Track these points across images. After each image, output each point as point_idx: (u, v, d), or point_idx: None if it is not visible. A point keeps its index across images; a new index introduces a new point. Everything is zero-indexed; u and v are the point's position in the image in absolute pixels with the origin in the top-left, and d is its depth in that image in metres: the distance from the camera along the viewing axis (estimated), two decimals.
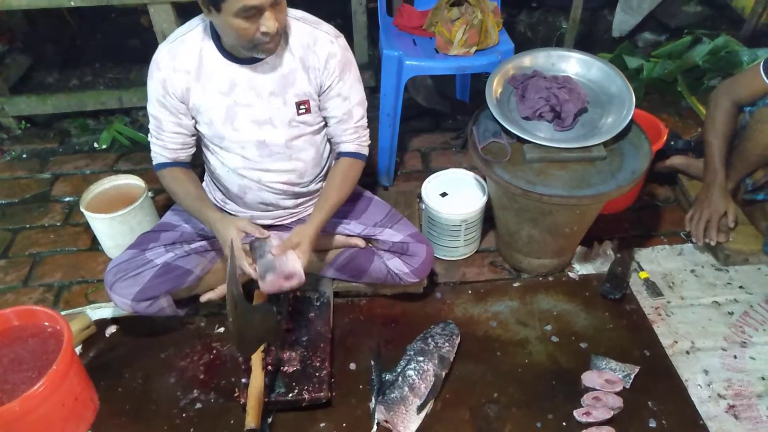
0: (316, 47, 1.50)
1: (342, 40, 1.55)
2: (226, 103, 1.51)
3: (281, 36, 1.43)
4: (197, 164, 1.74)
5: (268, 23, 1.32)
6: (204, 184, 1.81)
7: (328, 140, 1.70)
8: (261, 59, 1.46)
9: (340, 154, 1.67)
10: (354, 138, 1.64)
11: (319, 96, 1.57)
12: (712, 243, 1.93)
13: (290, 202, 1.72)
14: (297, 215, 1.77)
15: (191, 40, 1.48)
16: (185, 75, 1.48)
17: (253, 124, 1.54)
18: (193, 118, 1.56)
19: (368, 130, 1.68)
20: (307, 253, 1.51)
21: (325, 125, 1.65)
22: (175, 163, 1.62)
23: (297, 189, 1.69)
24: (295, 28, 1.50)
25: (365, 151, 1.68)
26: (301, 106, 1.55)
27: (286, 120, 1.55)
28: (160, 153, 1.60)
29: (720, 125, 1.89)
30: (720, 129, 1.89)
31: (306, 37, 1.50)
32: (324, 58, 1.51)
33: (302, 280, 1.47)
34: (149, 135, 1.61)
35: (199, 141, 1.64)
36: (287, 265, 1.46)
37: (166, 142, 1.58)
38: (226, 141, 1.57)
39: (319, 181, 1.74)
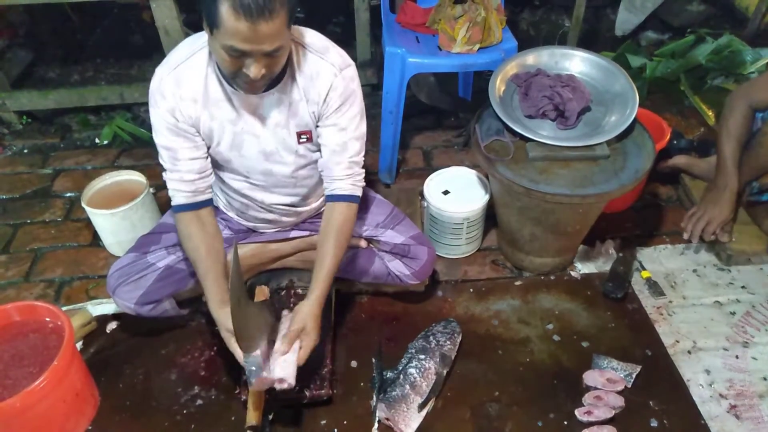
0: (319, 80, 1.42)
1: (349, 71, 1.44)
2: (234, 130, 1.46)
3: (270, 80, 1.34)
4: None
5: (252, 70, 1.25)
6: None
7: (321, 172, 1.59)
8: (267, 90, 1.41)
9: (332, 198, 1.52)
10: (346, 176, 1.51)
11: (316, 127, 1.50)
12: (706, 239, 1.93)
13: (291, 219, 1.72)
14: (297, 226, 1.77)
15: (195, 66, 1.38)
16: (192, 103, 1.41)
17: (260, 154, 1.50)
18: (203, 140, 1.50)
19: (363, 171, 1.56)
20: (315, 331, 1.44)
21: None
22: (195, 204, 1.48)
23: (299, 209, 1.69)
24: (302, 57, 1.41)
25: (359, 192, 1.54)
26: (302, 136, 1.50)
27: (292, 150, 1.52)
28: (177, 189, 1.47)
29: (735, 129, 1.86)
30: (735, 133, 1.86)
31: (311, 67, 1.41)
32: (325, 92, 1.42)
33: (291, 384, 1.38)
34: (163, 172, 1.49)
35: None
36: (276, 372, 1.38)
37: (182, 174, 1.46)
38: (232, 164, 1.54)
39: (320, 197, 1.72)
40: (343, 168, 1.51)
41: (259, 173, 1.55)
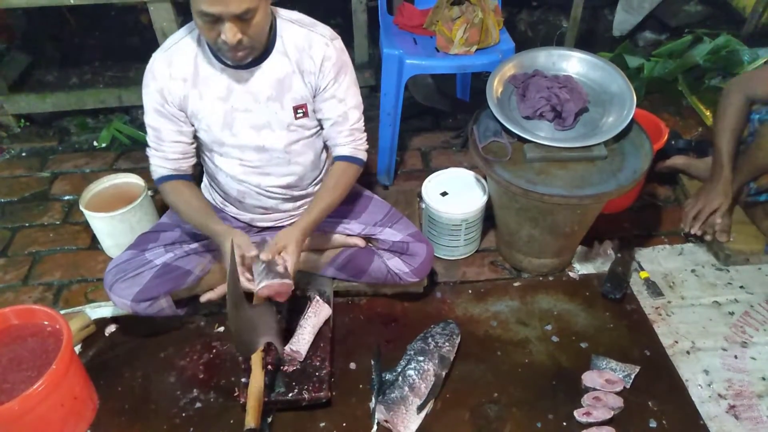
0: (312, 51, 1.48)
1: (338, 42, 1.52)
2: (224, 108, 1.50)
3: (252, 48, 1.39)
4: (196, 163, 1.74)
5: (227, 34, 1.29)
6: (203, 185, 1.81)
7: (325, 143, 1.68)
8: (257, 64, 1.46)
9: (335, 159, 1.62)
10: (349, 141, 1.60)
11: (314, 99, 1.55)
12: (692, 231, 1.92)
13: (289, 205, 1.72)
14: (296, 216, 1.76)
15: (186, 46, 1.46)
16: (182, 82, 1.47)
17: (252, 129, 1.53)
18: (191, 124, 1.54)
19: (365, 135, 1.64)
20: (294, 254, 1.47)
21: (322, 128, 1.64)
22: (177, 176, 1.57)
23: (295, 192, 1.69)
24: (291, 32, 1.48)
25: (361, 156, 1.63)
26: (299, 111, 1.54)
27: (284, 124, 1.54)
28: (160, 165, 1.56)
29: (731, 121, 1.86)
30: (730, 124, 1.86)
31: (301, 40, 1.48)
32: (319, 61, 1.48)
33: (290, 284, 1.45)
34: (147, 149, 1.57)
35: (199, 148, 1.62)
36: (277, 268, 1.45)
37: (166, 153, 1.54)
38: (225, 146, 1.56)
39: (317, 184, 1.73)
40: (345, 135, 1.59)
41: (252, 150, 1.57)
